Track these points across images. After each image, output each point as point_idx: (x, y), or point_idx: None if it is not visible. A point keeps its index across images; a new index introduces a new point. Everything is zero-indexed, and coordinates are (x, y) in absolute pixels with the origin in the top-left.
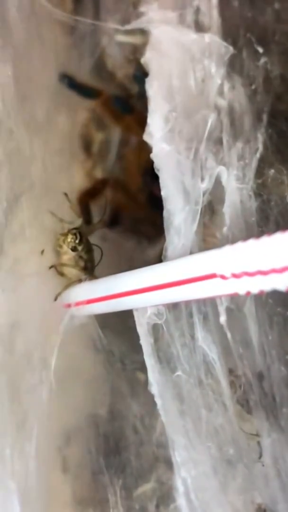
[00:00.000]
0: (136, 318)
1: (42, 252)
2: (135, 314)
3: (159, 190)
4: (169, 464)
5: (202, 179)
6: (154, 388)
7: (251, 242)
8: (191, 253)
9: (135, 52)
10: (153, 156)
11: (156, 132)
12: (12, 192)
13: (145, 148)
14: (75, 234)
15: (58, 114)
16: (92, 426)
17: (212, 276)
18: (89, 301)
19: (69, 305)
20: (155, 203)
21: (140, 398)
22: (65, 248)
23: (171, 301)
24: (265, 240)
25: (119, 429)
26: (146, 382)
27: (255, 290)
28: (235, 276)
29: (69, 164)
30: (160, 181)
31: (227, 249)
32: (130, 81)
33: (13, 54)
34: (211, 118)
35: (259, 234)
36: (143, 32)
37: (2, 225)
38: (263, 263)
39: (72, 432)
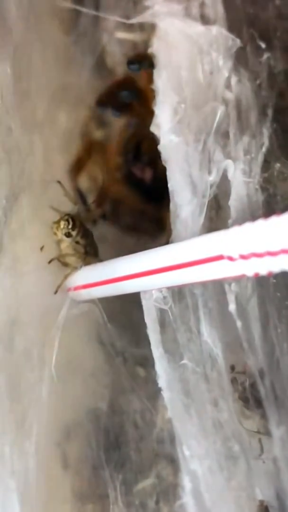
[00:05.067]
0: (144, 307)
1: (42, 248)
2: (143, 302)
3: (140, 171)
4: (169, 459)
5: (210, 172)
6: (162, 380)
7: (260, 222)
8: None
9: (134, 49)
10: (160, 147)
11: (165, 123)
12: (11, 189)
13: (127, 129)
14: (67, 220)
15: (58, 112)
16: (92, 421)
17: (219, 257)
18: (92, 285)
19: (71, 290)
20: (135, 184)
21: (140, 393)
22: (60, 235)
23: (178, 283)
24: (274, 220)
25: (119, 424)
26: (146, 377)
27: (263, 271)
28: (243, 257)
29: (69, 162)
30: (168, 173)
31: (235, 230)
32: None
33: (13, 52)
34: (220, 111)
35: (267, 214)
36: (143, 29)
37: (1, 223)
38: (272, 243)
39: (72, 427)
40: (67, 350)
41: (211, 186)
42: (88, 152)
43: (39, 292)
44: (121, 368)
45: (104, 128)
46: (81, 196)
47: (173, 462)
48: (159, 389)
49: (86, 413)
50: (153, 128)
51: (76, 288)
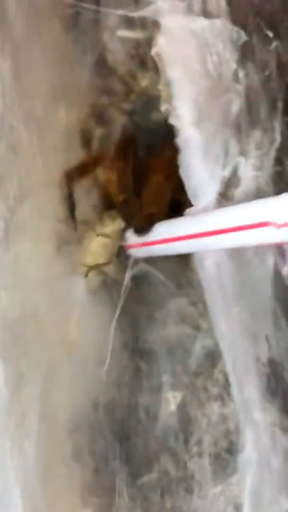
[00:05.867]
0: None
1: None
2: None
3: None
4: (173, 453)
5: (224, 167)
6: (219, 327)
7: None
8: None
9: (137, 47)
10: (178, 140)
11: (185, 115)
12: (18, 188)
13: None
14: None
15: (58, 109)
16: (96, 416)
17: (265, 224)
18: (149, 243)
19: (131, 246)
20: None
21: (144, 388)
22: None
23: (225, 246)
24: None
25: (124, 419)
26: (149, 372)
27: None
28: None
29: (69, 160)
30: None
31: (282, 197)
32: (131, 77)
33: (13, 49)
34: (236, 103)
35: None
36: (145, 27)
37: (7, 220)
38: None
39: (76, 422)
40: (71, 345)
41: (224, 179)
42: (95, 163)
43: (43, 288)
44: (124, 362)
45: (103, 126)
46: (71, 206)
47: (176, 455)
48: (163, 383)
49: (90, 407)
50: (172, 120)
51: (135, 246)
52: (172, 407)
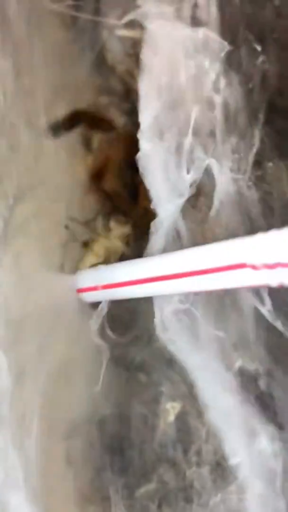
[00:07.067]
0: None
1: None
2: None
3: None
4: (171, 463)
5: (188, 171)
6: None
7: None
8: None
9: (136, 47)
10: (139, 155)
11: (146, 129)
12: (18, 187)
13: None
14: None
15: (58, 108)
16: (94, 426)
17: (242, 266)
18: (106, 286)
19: (82, 290)
20: None
21: (142, 398)
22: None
23: (198, 289)
24: None
25: (122, 428)
26: (147, 383)
27: None
28: (267, 266)
29: (70, 159)
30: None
31: (259, 237)
32: (131, 76)
33: (13, 49)
34: (195, 111)
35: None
36: (143, 26)
37: (6, 220)
38: None
39: (74, 431)
40: (70, 352)
41: (191, 184)
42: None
43: (43, 286)
44: (122, 374)
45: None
46: (109, 197)
47: (175, 466)
48: (160, 394)
49: (88, 417)
50: (139, 135)
51: (88, 289)
52: (171, 417)
